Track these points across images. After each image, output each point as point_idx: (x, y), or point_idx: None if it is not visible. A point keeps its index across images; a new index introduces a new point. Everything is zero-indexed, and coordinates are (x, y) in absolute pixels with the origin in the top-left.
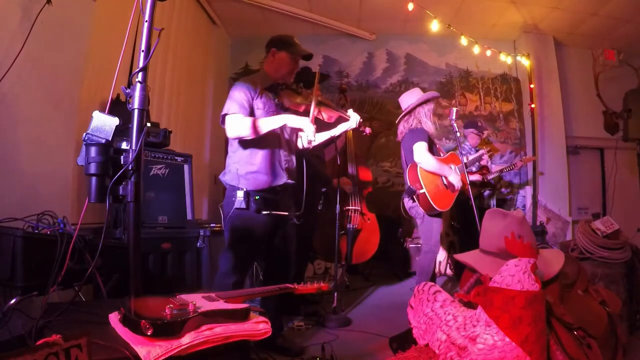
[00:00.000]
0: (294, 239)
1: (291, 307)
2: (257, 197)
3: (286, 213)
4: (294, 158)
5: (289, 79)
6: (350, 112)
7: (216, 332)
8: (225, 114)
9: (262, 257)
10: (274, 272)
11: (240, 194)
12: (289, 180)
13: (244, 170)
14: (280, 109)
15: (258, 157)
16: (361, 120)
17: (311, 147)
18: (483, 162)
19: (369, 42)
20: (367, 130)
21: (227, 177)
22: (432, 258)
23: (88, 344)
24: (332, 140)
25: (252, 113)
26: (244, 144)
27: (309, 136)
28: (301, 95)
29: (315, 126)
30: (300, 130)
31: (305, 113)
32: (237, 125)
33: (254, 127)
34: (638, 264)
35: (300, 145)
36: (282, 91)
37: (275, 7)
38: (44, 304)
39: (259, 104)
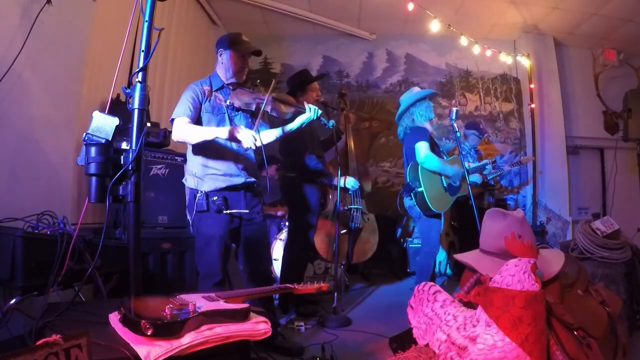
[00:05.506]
0: (263, 236)
1: (284, 307)
2: (215, 198)
3: (247, 211)
4: (252, 156)
5: (240, 78)
6: (309, 105)
7: (216, 332)
8: (172, 118)
9: (235, 256)
10: (249, 270)
11: (199, 197)
12: (249, 179)
13: (201, 172)
14: (232, 109)
15: (213, 159)
16: (322, 113)
17: (255, 147)
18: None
19: (369, 42)
20: (330, 123)
21: (187, 181)
22: (432, 258)
23: (88, 344)
24: (288, 134)
25: (198, 116)
26: (197, 147)
27: (249, 145)
28: (253, 93)
29: (255, 134)
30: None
31: (257, 112)
32: (179, 130)
33: (191, 134)
34: (638, 264)
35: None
36: (232, 91)
37: (275, 7)
38: (44, 304)
39: (207, 107)
